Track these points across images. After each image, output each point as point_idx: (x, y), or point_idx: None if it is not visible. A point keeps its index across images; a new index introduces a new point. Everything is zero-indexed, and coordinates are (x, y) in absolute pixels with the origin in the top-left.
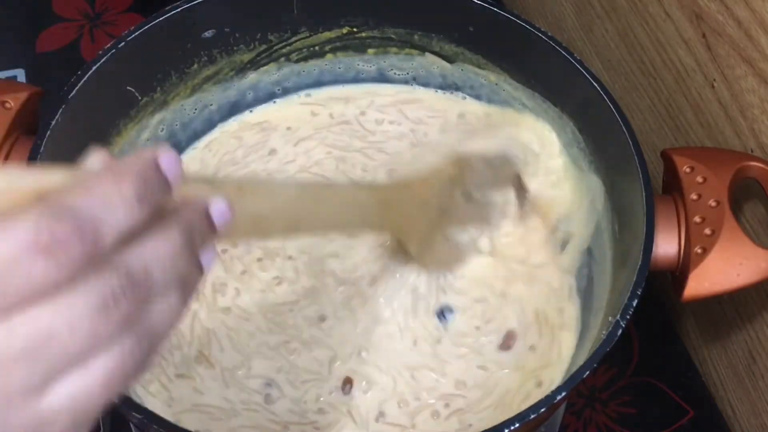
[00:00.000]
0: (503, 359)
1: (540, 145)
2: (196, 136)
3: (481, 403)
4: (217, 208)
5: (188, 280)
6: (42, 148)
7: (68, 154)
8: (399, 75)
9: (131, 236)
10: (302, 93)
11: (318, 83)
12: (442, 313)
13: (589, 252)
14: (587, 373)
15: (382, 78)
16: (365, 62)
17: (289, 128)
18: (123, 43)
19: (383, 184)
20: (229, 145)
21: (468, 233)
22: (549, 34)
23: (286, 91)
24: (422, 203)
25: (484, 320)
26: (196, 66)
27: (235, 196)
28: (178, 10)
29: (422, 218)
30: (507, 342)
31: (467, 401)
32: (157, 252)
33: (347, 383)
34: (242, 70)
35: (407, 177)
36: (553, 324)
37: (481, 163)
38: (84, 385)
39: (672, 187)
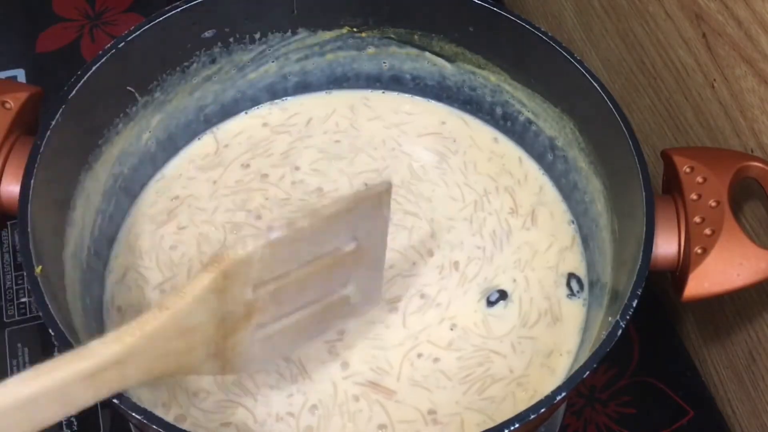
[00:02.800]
0: None
1: None
2: (197, 136)
3: None
4: None
5: None
6: (42, 148)
7: (68, 154)
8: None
9: None
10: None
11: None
12: None
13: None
14: (587, 373)
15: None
16: (365, 62)
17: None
18: (123, 43)
19: None
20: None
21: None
22: (549, 34)
23: (286, 91)
24: (186, 330)
25: None
26: (196, 66)
27: None
28: (178, 10)
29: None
30: None
31: None
32: None
33: None
34: (242, 69)
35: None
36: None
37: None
38: None
39: (672, 187)
